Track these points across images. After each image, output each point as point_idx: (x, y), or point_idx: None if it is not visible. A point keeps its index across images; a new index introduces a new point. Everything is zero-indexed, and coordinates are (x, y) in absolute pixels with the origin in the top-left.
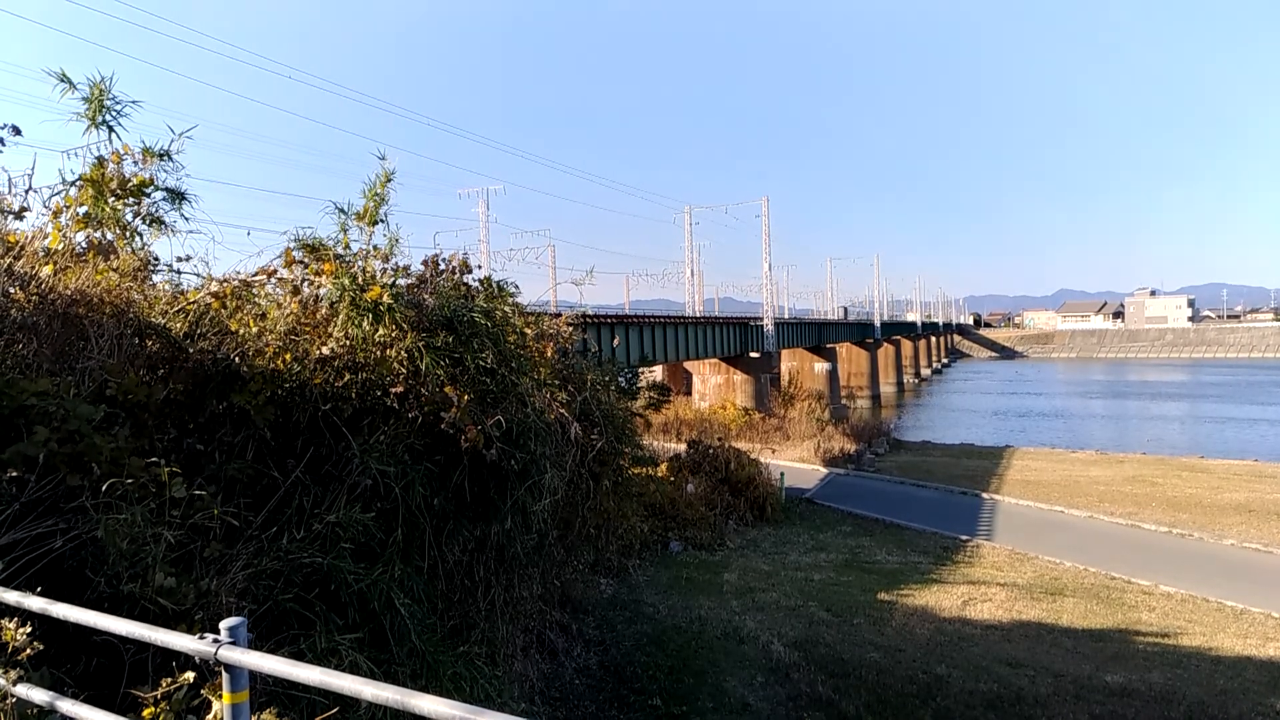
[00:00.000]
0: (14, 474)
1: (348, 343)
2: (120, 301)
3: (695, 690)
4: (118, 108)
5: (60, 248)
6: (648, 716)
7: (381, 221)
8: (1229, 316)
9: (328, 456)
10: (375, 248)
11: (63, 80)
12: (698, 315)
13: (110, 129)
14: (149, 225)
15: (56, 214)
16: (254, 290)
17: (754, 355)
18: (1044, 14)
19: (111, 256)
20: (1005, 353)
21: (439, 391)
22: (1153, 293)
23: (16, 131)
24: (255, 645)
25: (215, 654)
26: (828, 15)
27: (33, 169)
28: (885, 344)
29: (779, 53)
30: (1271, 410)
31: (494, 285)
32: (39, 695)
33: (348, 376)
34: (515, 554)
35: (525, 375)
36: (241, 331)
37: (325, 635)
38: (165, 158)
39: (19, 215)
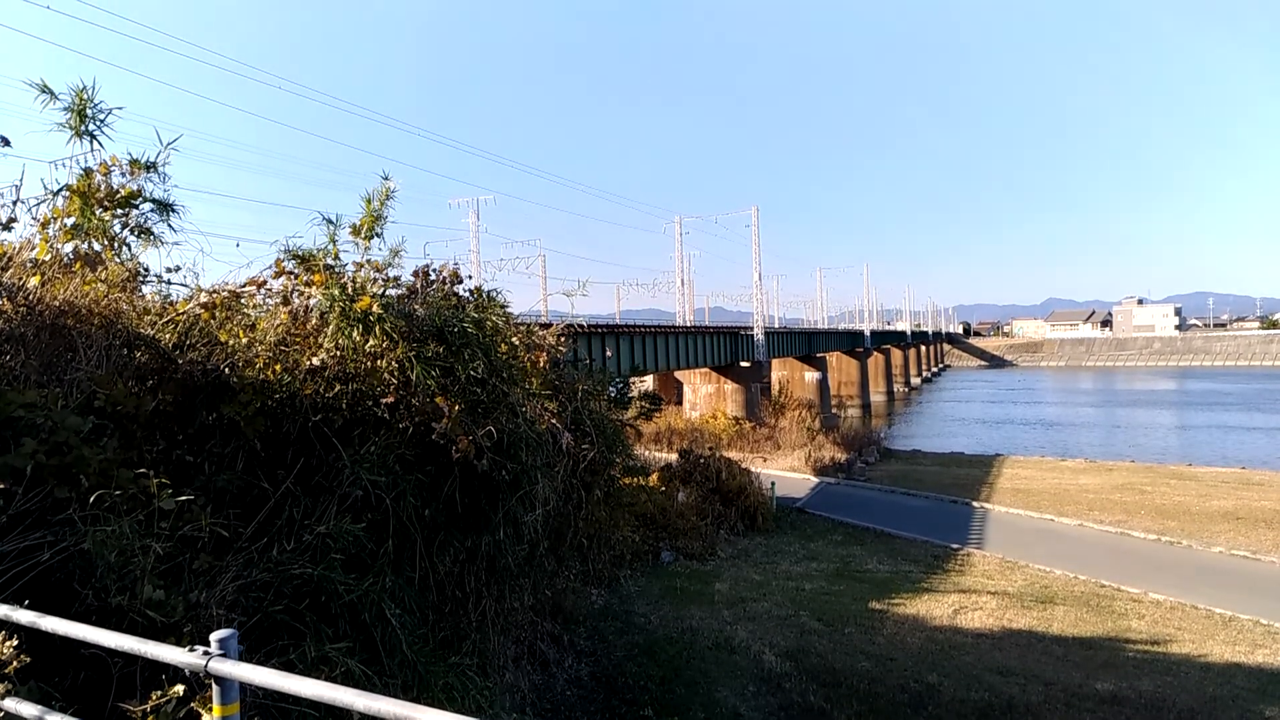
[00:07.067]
0: (1, 486)
1: (338, 353)
2: (108, 312)
3: (687, 700)
4: (101, 116)
5: (48, 259)
6: None
7: (378, 236)
8: (1215, 325)
9: (318, 467)
10: (369, 260)
11: (43, 91)
12: (688, 325)
13: (93, 138)
14: (137, 236)
15: (44, 225)
16: (244, 301)
17: (744, 364)
18: (1033, 24)
19: (99, 267)
20: (995, 361)
21: (430, 402)
22: (1140, 301)
23: (5, 143)
24: (245, 657)
25: (205, 666)
26: (819, 24)
27: (20, 180)
28: (875, 353)
29: (771, 60)
30: (1259, 417)
31: (484, 295)
32: (27, 709)
33: (338, 387)
34: (506, 565)
35: (516, 385)
36: (231, 342)
37: (316, 646)
38: (153, 169)
39: (6, 226)
